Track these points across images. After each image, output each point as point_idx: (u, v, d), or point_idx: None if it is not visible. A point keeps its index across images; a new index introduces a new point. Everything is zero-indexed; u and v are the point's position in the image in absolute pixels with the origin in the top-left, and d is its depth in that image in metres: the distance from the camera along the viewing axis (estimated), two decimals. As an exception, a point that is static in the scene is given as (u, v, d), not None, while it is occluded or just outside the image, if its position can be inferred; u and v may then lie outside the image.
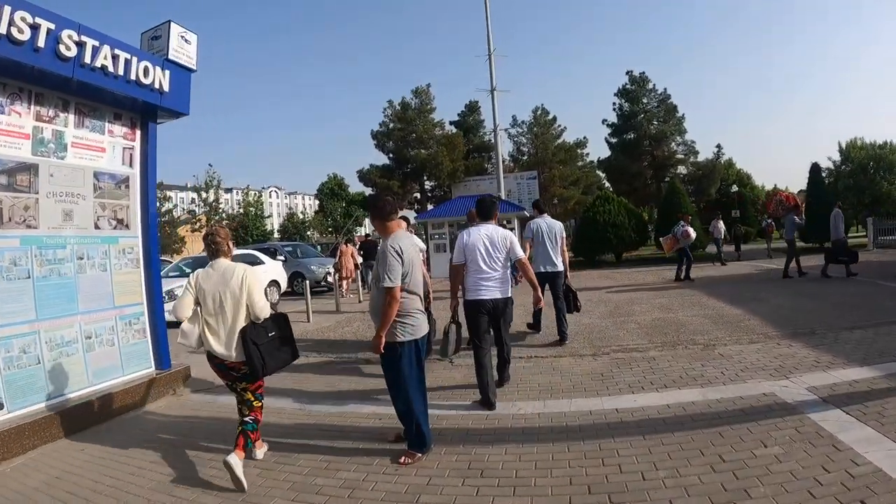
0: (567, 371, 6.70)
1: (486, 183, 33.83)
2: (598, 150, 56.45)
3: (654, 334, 8.42)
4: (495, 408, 5.42)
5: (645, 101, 40.08)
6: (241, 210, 64.15)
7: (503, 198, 26.03)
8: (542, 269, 8.19)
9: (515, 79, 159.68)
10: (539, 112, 46.65)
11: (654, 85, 40.33)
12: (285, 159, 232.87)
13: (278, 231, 76.76)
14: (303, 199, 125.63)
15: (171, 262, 20.59)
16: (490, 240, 5.66)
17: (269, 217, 71.04)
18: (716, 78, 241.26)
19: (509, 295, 5.78)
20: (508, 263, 5.80)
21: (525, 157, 46.35)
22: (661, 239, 17.56)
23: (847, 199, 36.05)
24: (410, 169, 39.12)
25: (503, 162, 48.83)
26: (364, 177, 39.80)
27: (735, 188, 41.53)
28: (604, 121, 41.68)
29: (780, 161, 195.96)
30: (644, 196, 39.94)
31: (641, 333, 8.53)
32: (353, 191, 70.52)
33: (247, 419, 4.28)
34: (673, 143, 39.53)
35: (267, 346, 4.25)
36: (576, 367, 6.84)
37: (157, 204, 37.43)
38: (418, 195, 41.39)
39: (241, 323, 4.23)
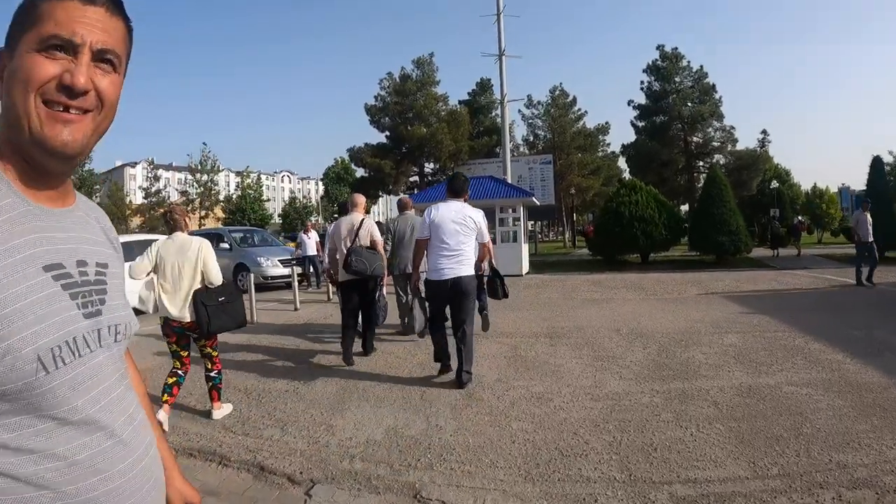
0: None
1: (494, 166, 29.26)
2: (619, 138, 51.96)
3: (756, 441, 4.06)
4: (464, 386, 5.32)
5: (678, 79, 35.30)
6: (239, 193, 60.78)
7: (509, 182, 21.58)
8: None
9: (531, 53, 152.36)
10: (557, 92, 42.47)
11: (688, 62, 35.56)
12: (298, 143, 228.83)
13: (279, 216, 72.94)
14: (315, 184, 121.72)
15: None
16: (457, 217, 5.38)
17: (268, 201, 67.08)
18: (758, 59, 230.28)
19: (473, 274, 5.43)
20: (474, 243, 5.51)
21: (540, 142, 42.12)
22: None
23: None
24: (407, 148, 34.53)
25: (516, 147, 44.81)
26: (355, 156, 35.34)
27: (775, 184, 36.83)
28: (629, 102, 37.11)
29: (822, 159, 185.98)
30: (673, 189, 35.15)
31: (730, 437, 4.15)
32: (361, 174, 66.66)
33: (211, 374, 4.92)
34: (710, 128, 34.72)
35: (214, 309, 4.69)
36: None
37: (147, 184, 34.95)
38: (416, 178, 36.79)
39: (195, 287, 4.71)
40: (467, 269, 5.35)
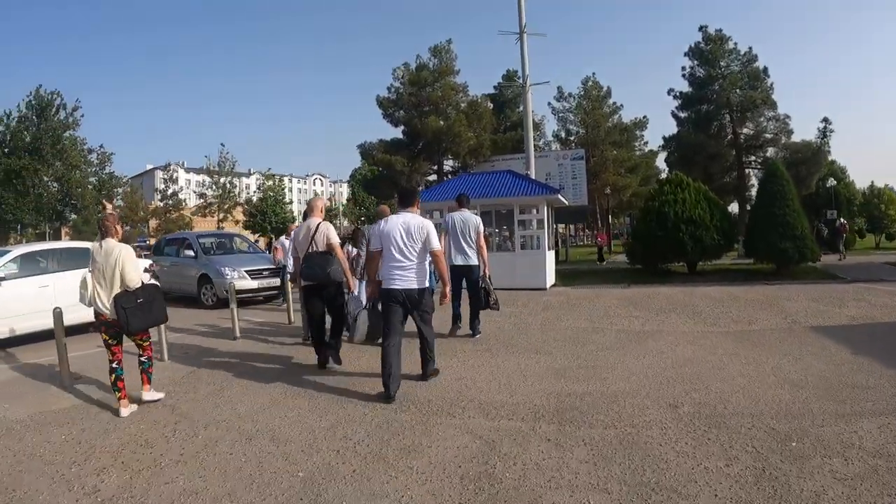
0: None
1: (519, 162, 25.98)
2: (656, 136, 48.22)
3: None
4: (393, 400, 5.19)
5: (723, 63, 31.67)
6: (261, 195, 58.97)
7: (532, 177, 18.38)
8: (452, 262, 7.96)
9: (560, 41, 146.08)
10: (590, 83, 39.04)
11: (735, 44, 31.91)
12: (331, 145, 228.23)
13: (303, 219, 70.66)
14: (349, 186, 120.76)
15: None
16: (406, 228, 5.41)
17: (290, 203, 64.94)
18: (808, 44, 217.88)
19: (425, 286, 5.51)
20: (426, 254, 5.50)
21: (573, 138, 38.78)
22: None
23: None
24: (423, 143, 31.41)
25: (546, 144, 41.55)
26: (366, 153, 32.41)
27: (832, 182, 32.93)
28: (669, 90, 33.67)
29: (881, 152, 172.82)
30: (721, 187, 31.33)
31: None
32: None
33: (142, 358, 5.49)
34: (762, 118, 30.97)
35: (132, 310, 5.14)
36: None
37: (163, 186, 35.58)
38: (434, 176, 33.54)
39: (117, 290, 5.19)
40: (417, 281, 5.41)
